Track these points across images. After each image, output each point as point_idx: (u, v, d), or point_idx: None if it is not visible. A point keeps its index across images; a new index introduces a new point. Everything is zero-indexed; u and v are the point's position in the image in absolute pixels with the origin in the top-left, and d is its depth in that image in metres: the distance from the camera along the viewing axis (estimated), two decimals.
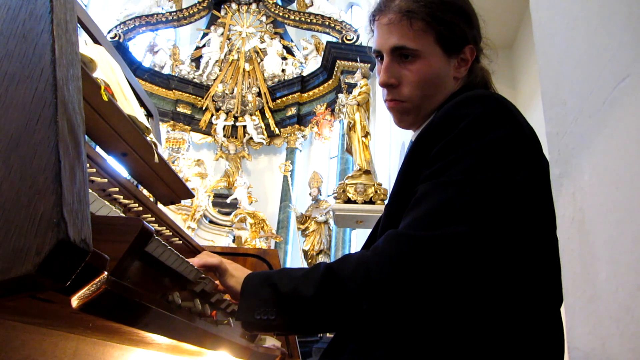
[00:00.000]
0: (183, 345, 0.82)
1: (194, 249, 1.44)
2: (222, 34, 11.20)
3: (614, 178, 0.50)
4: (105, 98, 1.02)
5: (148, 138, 1.26)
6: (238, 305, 0.82)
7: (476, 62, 0.95)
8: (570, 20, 0.62)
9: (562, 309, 0.65)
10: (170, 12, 10.31)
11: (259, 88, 10.80)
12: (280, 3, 10.80)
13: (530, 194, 0.73)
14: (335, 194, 5.62)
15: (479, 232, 0.67)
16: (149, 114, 1.59)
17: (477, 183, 0.70)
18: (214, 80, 10.75)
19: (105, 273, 0.49)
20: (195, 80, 10.62)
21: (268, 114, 10.68)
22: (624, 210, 0.48)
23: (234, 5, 11.37)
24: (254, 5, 11.36)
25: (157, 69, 10.34)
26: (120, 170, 1.13)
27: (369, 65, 6.93)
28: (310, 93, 10.38)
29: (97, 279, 0.48)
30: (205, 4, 10.70)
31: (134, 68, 9.56)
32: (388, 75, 0.90)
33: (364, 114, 6.07)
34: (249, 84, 10.91)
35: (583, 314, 0.55)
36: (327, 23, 9.70)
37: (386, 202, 0.88)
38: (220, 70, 10.89)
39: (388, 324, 0.69)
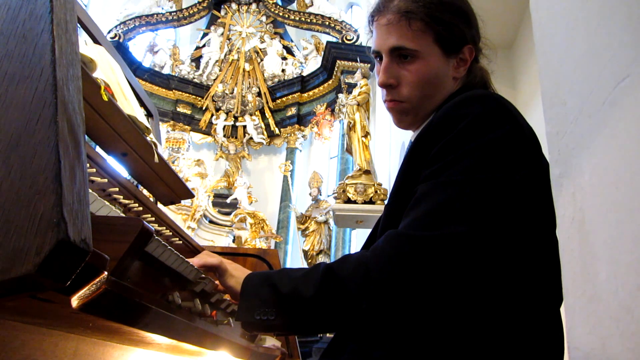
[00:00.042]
0: (183, 345, 0.82)
1: (194, 249, 1.44)
2: (222, 34, 11.20)
3: (614, 178, 0.50)
4: (105, 98, 1.02)
5: (148, 138, 1.26)
6: (238, 305, 0.82)
7: (475, 62, 0.95)
8: (570, 20, 0.62)
9: (562, 309, 0.65)
10: (170, 12, 10.30)
11: (259, 88, 10.80)
12: (280, 3, 10.80)
13: (529, 194, 0.73)
14: (335, 194, 5.62)
15: (479, 232, 0.67)
16: (149, 114, 1.59)
17: (477, 183, 0.70)
18: (214, 80, 10.75)
19: (105, 273, 0.49)
20: (195, 80, 10.62)
21: (268, 114, 10.68)
22: (624, 210, 0.48)
23: (234, 5, 11.37)
24: (254, 5, 11.36)
25: (157, 69, 10.34)
26: (120, 170, 1.13)
27: (369, 65, 6.91)
28: (310, 93, 10.38)
29: (97, 279, 0.48)
30: (205, 4, 10.70)
31: (134, 68, 9.56)
32: (387, 76, 0.90)
33: (364, 114, 6.07)
34: (249, 84, 10.91)
35: (583, 314, 0.55)
36: (327, 23, 9.70)
37: (386, 202, 0.88)
38: (220, 70, 10.89)
39: (388, 324, 0.69)
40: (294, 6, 10.85)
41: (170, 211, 7.72)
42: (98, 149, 1.16)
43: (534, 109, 3.18)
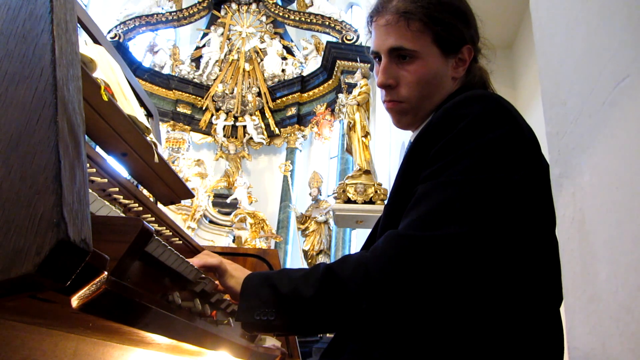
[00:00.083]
0: (183, 345, 0.82)
1: (194, 249, 1.44)
2: (222, 34, 11.20)
3: (614, 178, 0.50)
4: (105, 98, 1.02)
5: (148, 138, 1.26)
6: (238, 305, 0.82)
7: (474, 62, 0.95)
8: (570, 20, 0.62)
9: (562, 309, 0.65)
10: (170, 12, 10.30)
11: (259, 88, 10.80)
12: (280, 3, 10.80)
13: (529, 193, 0.73)
14: (335, 194, 5.62)
15: (479, 232, 0.67)
16: (149, 114, 1.59)
17: (477, 183, 0.70)
18: (214, 80, 10.75)
19: (105, 273, 0.49)
20: (195, 80, 10.62)
21: (268, 114, 10.68)
22: (624, 210, 0.48)
23: (234, 5, 11.37)
24: (254, 5, 11.36)
25: (157, 69, 10.34)
26: (120, 170, 1.13)
27: (369, 65, 6.91)
28: (310, 93, 10.38)
29: (97, 279, 0.48)
30: (205, 4, 10.69)
31: (134, 68, 9.55)
32: (386, 76, 0.91)
33: (364, 114, 6.07)
34: (249, 84, 10.91)
35: (583, 314, 0.55)
36: (327, 23, 9.70)
37: (386, 202, 0.88)
38: (220, 70, 10.89)
39: (388, 324, 0.69)
40: (294, 6, 10.85)
41: (170, 211, 7.72)
42: (98, 149, 1.16)
43: (534, 109, 3.18)
